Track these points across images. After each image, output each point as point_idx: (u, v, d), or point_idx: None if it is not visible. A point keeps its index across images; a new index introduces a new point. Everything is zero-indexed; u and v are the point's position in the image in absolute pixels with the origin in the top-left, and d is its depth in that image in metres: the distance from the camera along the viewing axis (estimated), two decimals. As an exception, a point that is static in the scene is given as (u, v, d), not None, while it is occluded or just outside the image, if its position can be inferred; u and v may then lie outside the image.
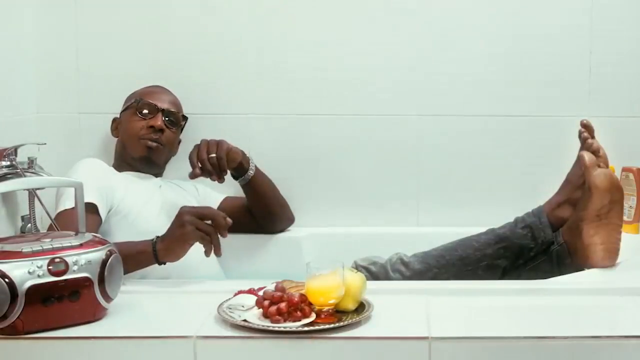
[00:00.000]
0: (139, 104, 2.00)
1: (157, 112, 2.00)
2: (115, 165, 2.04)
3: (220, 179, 1.91)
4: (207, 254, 1.62)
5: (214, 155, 1.88)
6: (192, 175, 1.88)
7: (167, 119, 2.01)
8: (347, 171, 2.24)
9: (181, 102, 2.09)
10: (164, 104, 2.01)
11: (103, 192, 1.81)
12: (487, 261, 1.86)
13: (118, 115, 2.08)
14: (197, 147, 1.91)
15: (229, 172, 1.96)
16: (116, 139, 2.08)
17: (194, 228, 1.59)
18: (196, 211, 1.65)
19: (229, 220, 1.63)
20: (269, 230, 2.15)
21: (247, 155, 2.01)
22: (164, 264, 1.65)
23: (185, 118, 2.08)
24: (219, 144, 1.91)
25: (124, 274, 1.46)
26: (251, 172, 2.00)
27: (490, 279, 1.84)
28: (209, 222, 1.62)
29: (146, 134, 1.97)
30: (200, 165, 1.88)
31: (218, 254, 1.63)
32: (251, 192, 2.05)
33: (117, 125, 2.07)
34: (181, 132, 2.09)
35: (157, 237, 1.64)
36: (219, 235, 1.62)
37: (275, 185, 2.09)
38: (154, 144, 1.97)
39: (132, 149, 1.99)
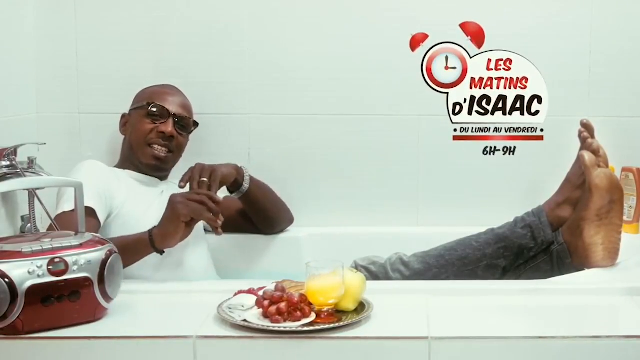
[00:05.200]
0: (150, 107, 1.96)
1: (168, 117, 1.96)
2: (120, 163, 2.02)
3: None
4: (214, 227, 1.64)
5: (205, 179, 1.82)
6: None
7: (178, 124, 1.98)
8: (347, 171, 2.24)
9: (184, 103, 2.08)
10: (175, 108, 1.98)
11: (102, 195, 1.80)
12: (487, 261, 1.86)
13: (126, 112, 2.05)
14: (191, 171, 1.85)
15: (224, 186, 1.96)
16: (122, 136, 2.04)
17: (184, 205, 1.61)
18: (185, 193, 1.68)
19: (220, 199, 1.66)
20: (268, 232, 2.15)
21: (242, 167, 1.97)
22: (162, 253, 1.65)
23: (196, 124, 2.06)
24: (213, 171, 1.84)
25: (123, 267, 1.46)
26: (246, 186, 1.97)
27: (490, 278, 1.84)
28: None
29: (155, 139, 1.95)
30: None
31: (218, 224, 1.64)
32: (247, 203, 2.04)
33: (125, 123, 2.04)
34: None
35: (154, 226, 1.66)
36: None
37: (272, 191, 2.08)
38: (163, 155, 1.95)
39: (140, 153, 1.95)
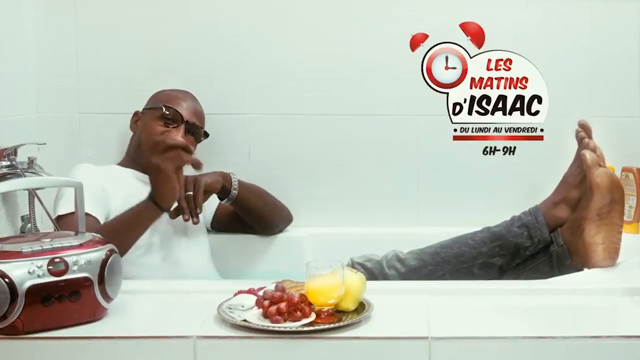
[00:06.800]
0: (165, 110, 1.95)
1: (180, 123, 1.95)
2: (124, 161, 2.02)
3: (195, 218, 1.82)
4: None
5: (190, 193, 1.82)
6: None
7: (189, 131, 1.97)
8: (347, 171, 2.24)
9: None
10: (189, 116, 1.98)
11: (99, 197, 1.80)
12: (483, 259, 1.86)
13: (140, 110, 2.04)
14: None
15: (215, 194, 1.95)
16: (128, 135, 2.04)
17: (164, 160, 1.66)
18: (158, 151, 1.72)
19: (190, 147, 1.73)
20: (266, 234, 2.15)
21: (230, 173, 1.97)
22: (168, 210, 1.70)
23: (206, 135, 2.05)
24: (195, 181, 1.85)
25: (133, 242, 1.48)
26: (234, 192, 1.96)
27: (485, 277, 1.84)
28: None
29: None
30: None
31: (198, 165, 1.72)
32: (240, 208, 2.03)
33: (137, 120, 2.04)
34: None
35: (149, 194, 1.70)
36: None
37: (266, 192, 2.07)
38: None
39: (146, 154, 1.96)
